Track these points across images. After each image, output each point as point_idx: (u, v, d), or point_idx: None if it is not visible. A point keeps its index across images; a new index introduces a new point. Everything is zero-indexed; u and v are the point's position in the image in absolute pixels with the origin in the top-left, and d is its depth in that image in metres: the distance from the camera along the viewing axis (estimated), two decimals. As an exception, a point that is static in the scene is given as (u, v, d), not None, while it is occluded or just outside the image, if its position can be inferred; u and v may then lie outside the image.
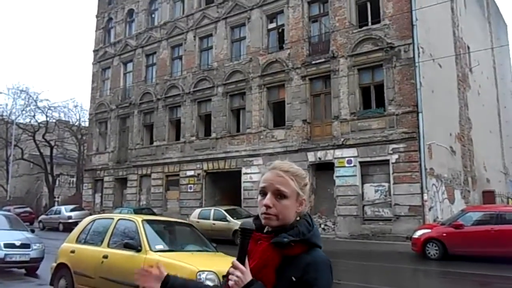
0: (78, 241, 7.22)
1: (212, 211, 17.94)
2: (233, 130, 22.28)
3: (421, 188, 15.75)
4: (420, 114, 16.17)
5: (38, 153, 38.42)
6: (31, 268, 9.84)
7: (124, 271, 6.02)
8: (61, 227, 24.67)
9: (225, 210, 17.44)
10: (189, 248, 6.71)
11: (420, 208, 15.63)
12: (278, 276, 1.36)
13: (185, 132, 24.09)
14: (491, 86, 27.38)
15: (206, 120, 23.71)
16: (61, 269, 7.01)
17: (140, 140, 26.72)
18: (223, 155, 21.84)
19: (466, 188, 20.19)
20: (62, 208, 27.19)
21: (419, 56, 16.61)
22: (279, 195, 1.43)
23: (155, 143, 25.66)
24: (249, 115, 21.18)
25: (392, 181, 16.42)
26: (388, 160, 16.60)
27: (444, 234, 11.89)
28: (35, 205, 40.09)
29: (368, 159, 17.11)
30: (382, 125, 17.04)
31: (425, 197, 15.66)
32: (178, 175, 23.90)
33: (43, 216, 28.17)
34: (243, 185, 20.46)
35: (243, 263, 1.33)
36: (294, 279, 1.34)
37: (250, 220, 1.42)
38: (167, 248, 6.36)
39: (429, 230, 12.50)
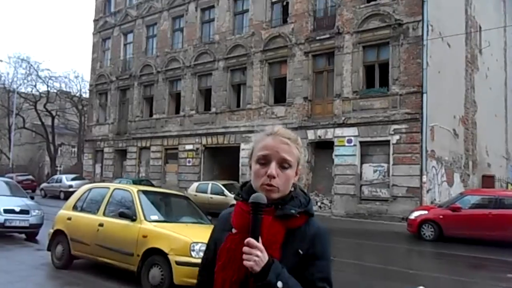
0: (74, 208, 7.35)
1: (210, 185, 18.06)
2: (233, 105, 22.03)
3: (421, 170, 15.59)
4: (424, 95, 15.84)
5: (39, 123, 38.51)
6: (31, 233, 10.07)
7: (119, 239, 6.23)
8: (62, 195, 25.00)
9: (223, 185, 17.53)
10: (184, 219, 6.79)
11: (418, 189, 15.52)
12: (284, 250, 1.28)
13: (185, 106, 23.86)
14: (500, 69, 26.72)
15: (206, 94, 23.44)
16: (58, 236, 7.17)
17: (140, 112, 26.55)
18: (223, 130, 21.68)
19: (466, 172, 20.00)
20: (63, 177, 27.55)
21: (427, 34, 16.11)
22: (284, 164, 1.32)
23: (154, 116, 25.51)
24: (250, 90, 20.87)
25: (391, 162, 16.26)
26: (389, 141, 16.38)
27: (441, 216, 11.82)
28: (38, 174, 40.49)
29: (369, 139, 16.89)
30: (384, 105, 16.72)
31: (424, 179, 15.51)
32: (177, 148, 23.86)
33: (44, 184, 28.57)
34: (241, 160, 20.35)
35: (257, 241, 1.22)
36: (301, 252, 1.29)
37: (261, 193, 1.27)
38: (162, 219, 6.46)
39: (425, 212, 12.44)
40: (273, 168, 1.31)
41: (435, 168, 16.65)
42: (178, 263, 5.43)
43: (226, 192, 16.86)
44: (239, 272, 1.25)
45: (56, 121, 39.69)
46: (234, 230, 1.33)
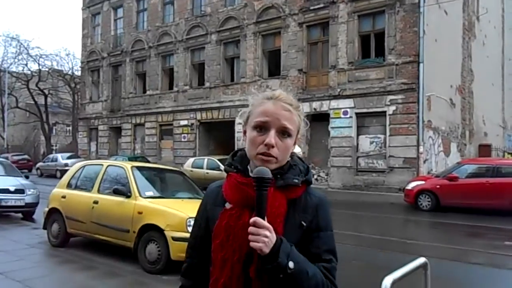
0: (68, 186, 7.31)
1: (206, 160, 18.06)
2: (227, 79, 21.71)
3: (417, 140, 15.54)
4: (421, 64, 15.60)
5: (33, 102, 38.10)
6: (27, 212, 10.19)
7: (114, 216, 6.22)
8: (58, 174, 24.98)
9: (219, 160, 17.46)
10: (180, 195, 6.75)
11: (415, 160, 15.52)
12: (286, 223, 1.18)
13: (178, 81, 23.50)
14: (498, 37, 26.38)
15: (199, 69, 23.06)
16: (53, 214, 7.16)
17: (133, 89, 26.17)
18: (217, 105, 21.45)
19: (462, 141, 20.00)
20: (59, 155, 27.51)
21: (424, 1, 15.70)
22: (284, 133, 1.21)
23: (148, 92, 25.18)
24: (244, 64, 20.52)
25: (388, 133, 16.18)
26: (385, 112, 16.26)
27: (438, 186, 11.84)
28: (33, 153, 40.49)
29: (365, 110, 16.75)
30: (380, 76, 16.50)
31: (421, 150, 15.48)
32: (171, 124, 23.68)
33: (40, 164, 28.54)
34: (236, 135, 20.25)
35: (263, 219, 1.11)
36: (304, 224, 1.21)
37: (264, 167, 1.14)
38: (157, 195, 6.42)
39: (422, 182, 12.46)
40: (272, 136, 1.19)
41: (431, 138, 16.62)
42: (174, 238, 5.42)
43: (222, 167, 16.81)
44: (240, 251, 1.15)
45: (49, 100, 39.33)
46: (228, 205, 1.22)
